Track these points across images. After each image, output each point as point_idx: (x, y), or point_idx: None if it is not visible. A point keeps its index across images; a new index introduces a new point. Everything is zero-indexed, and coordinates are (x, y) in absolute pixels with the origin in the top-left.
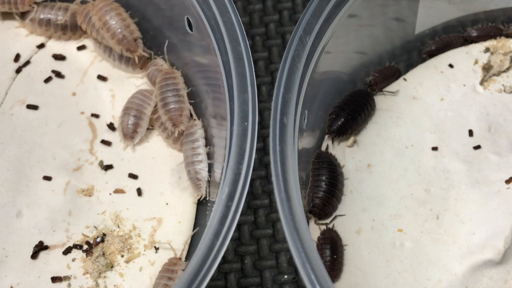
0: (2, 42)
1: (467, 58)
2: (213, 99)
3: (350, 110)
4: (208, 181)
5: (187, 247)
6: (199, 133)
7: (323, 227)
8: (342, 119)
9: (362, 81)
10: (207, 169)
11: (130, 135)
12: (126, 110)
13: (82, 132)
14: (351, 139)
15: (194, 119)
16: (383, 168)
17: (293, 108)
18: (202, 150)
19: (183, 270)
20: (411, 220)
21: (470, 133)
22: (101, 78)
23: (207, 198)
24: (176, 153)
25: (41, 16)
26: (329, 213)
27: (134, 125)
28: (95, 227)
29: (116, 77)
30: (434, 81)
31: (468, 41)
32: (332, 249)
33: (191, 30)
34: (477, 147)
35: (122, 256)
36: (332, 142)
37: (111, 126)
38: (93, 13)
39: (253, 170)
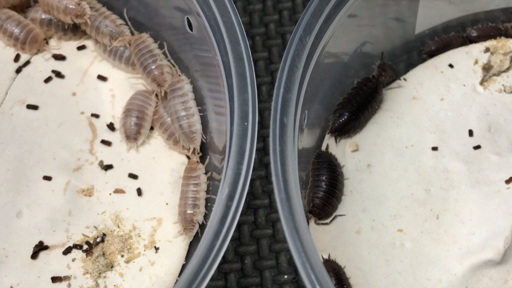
0: (2, 42)
1: (467, 58)
2: (214, 101)
3: (354, 109)
4: (202, 135)
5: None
6: (187, 87)
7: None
8: (345, 118)
9: (366, 70)
10: (200, 122)
11: (133, 137)
12: (128, 111)
13: (82, 132)
14: (354, 144)
15: (179, 75)
16: (383, 168)
17: (293, 108)
18: (192, 104)
19: (205, 174)
20: (411, 220)
21: (470, 133)
22: (101, 78)
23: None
24: (176, 154)
25: (42, 16)
26: (329, 213)
27: (137, 126)
28: (95, 227)
29: (116, 77)
30: (434, 81)
31: (468, 41)
32: (338, 280)
33: (191, 30)
34: (477, 147)
35: (122, 256)
36: (336, 141)
37: (111, 126)
38: (41, 5)
39: (253, 170)
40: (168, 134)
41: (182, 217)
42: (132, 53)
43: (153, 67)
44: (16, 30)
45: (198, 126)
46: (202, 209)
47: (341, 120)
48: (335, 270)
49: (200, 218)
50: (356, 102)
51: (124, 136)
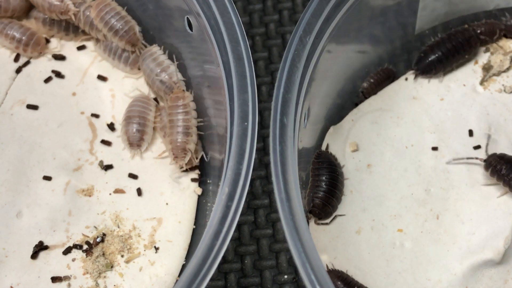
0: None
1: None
2: (214, 101)
3: (441, 53)
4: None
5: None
6: (155, 49)
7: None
8: (429, 59)
9: (358, 88)
10: (178, 71)
11: (137, 143)
12: (129, 119)
13: (82, 132)
14: (354, 144)
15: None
16: (383, 168)
17: (293, 108)
18: (163, 58)
19: (193, 101)
20: (411, 220)
21: (470, 133)
22: (101, 78)
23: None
24: None
25: (45, 16)
26: (329, 213)
27: (139, 132)
28: (95, 227)
29: (116, 77)
30: (434, 81)
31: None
32: (348, 285)
33: (191, 30)
34: (477, 147)
35: (122, 256)
36: (414, 78)
37: (111, 126)
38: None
39: (253, 170)
40: (170, 140)
41: (174, 145)
42: (96, 17)
43: (125, 29)
44: (18, 34)
45: (179, 76)
46: (194, 137)
47: (425, 61)
48: (339, 276)
49: (192, 146)
50: (445, 48)
51: (127, 144)
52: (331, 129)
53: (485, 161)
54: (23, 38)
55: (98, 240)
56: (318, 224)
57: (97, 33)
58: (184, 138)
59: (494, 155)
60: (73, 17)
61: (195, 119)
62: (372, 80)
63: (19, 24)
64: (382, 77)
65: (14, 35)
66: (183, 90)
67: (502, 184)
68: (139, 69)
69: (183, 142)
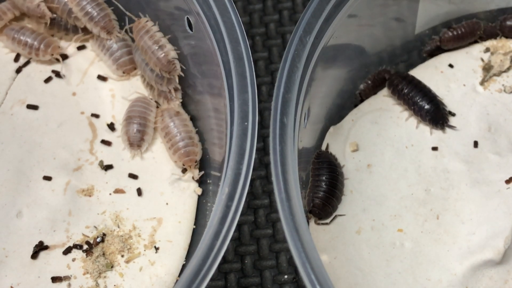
0: (5, 45)
1: (467, 58)
2: (214, 101)
3: None
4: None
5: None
6: (150, 23)
7: None
8: None
9: (354, 92)
10: (174, 49)
11: (137, 144)
12: (130, 119)
13: (82, 132)
14: (354, 144)
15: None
16: (383, 168)
17: (293, 108)
18: (160, 35)
19: (155, 25)
20: (411, 220)
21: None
22: (101, 78)
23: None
24: None
25: None
26: (329, 213)
27: (140, 133)
28: (95, 227)
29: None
30: (434, 81)
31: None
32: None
33: (191, 30)
34: (477, 147)
35: (122, 256)
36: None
37: (111, 126)
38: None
39: (253, 170)
40: (171, 144)
41: (160, 63)
42: (72, 2)
43: (99, 15)
44: (30, 39)
45: (174, 54)
46: (170, 46)
47: None
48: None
49: (173, 54)
50: None
51: (128, 144)
52: (331, 129)
53: (388, 79)
54: (35, 43)
55: (98, 240)
56: (318, 224)
57: (76, 21)
58: (161, 52)
59: (397, 73)
60: (52, 13)
61: (160, 32)
62: (369, 82)
63: (30, 30)
64: (379, 78)
65: (27, 41)
66: (138, 19)
67: (402, 103)
68: (124, 72)
69: (164, 56)
